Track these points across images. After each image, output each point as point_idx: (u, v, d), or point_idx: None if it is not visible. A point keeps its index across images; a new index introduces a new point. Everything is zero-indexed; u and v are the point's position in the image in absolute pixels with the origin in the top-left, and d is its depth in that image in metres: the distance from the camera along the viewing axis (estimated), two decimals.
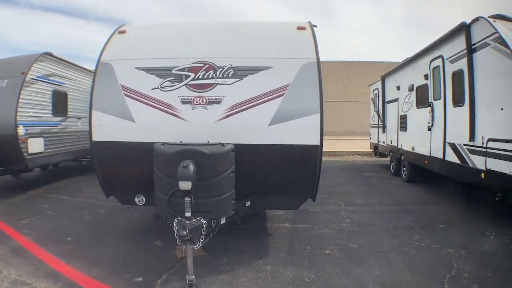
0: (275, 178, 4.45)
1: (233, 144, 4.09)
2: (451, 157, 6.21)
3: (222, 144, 3.73)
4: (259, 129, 4.18)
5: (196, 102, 4.24)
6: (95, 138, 4.44)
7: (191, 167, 3.40)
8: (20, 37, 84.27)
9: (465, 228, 5.35)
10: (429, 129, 7.10)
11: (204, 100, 4.24)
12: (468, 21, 5.70)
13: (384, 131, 11.09)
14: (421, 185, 8.61)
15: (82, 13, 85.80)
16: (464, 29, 5.69)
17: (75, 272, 3.90)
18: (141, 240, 4.88)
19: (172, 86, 4.32)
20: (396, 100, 9.69)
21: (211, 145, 3.70)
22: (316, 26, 5.20)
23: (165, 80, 4.35)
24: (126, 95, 4.38)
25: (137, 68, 4.46)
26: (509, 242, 4.74)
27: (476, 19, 5.50)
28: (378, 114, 11.49)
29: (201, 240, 3.54)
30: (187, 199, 3.52)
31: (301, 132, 4.16)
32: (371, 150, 13.11)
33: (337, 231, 5.24)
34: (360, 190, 8.31)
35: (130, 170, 4.50)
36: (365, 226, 5.50)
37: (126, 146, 4.32)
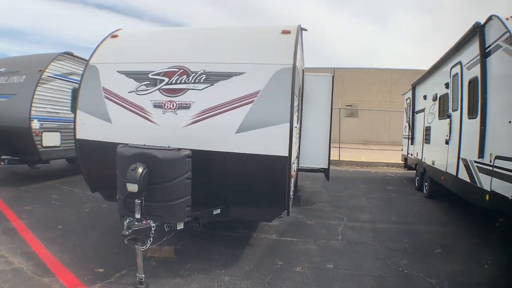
0: (243, 188, 4.39)
1: (200, 150, 4.15)
2: (463, 174, 5.58)
3: (178, 150, 3.77)
4: (225, 136, 4.15)
5: (167, 106, 4.34)
6: (78, 136, 4.76)
7: (139, 170, 3.49)
8: (72, 33, 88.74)
9: (462, 254, 4.85)
10: (447, 142, 6.49)
11: (174, 105, 4.32)
12: (482, 21, 5.10)
13: (412, 143, 10.38)
14: (438, 202, 7.99)
15: (138, 13, 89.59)
16: (477, 30, 5.09)
17: (49, 255, 4.28)
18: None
19: (146, 90, 4.47)
20: (423, 110, 9.02)
21: (166, 149, 3.76)
22: (305, 30, 5.05)
23: (141, 84, 4.51)
24: (106, 97, 4.62)
25: (119, 71, 4.68)
26: (501, 274, 4.22)
27: (489, 18, 4.89)
28: (409, 125, 10.80)
29: (149, 242, 3.64)
30: (137, 201, 3.66)
31: (268, 141, 4.05)
32: (403, 162, 12.45)
33: (322, 248, 5.02)
34: (372, 204, 7.87)
35: (109, 168, 4.73)
36: (355, 245, 5.21)
37: (104, 146, 4.54)
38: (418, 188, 9.43)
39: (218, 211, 4.50)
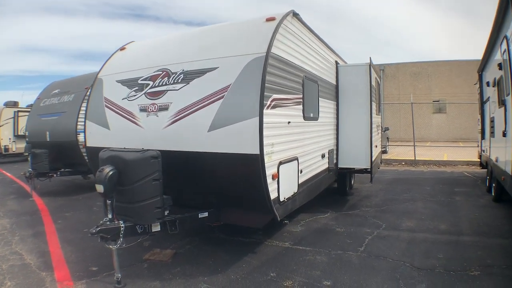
0: (224, 191, 4.30)
1: (178, 151, 4.27)
2: None
3: (144, 151, 3.92)
4: (199, 135, 4.15)
5: (150, 109, 4.57)
6: (88, 144, 5.36)
7: (106, 171, 3.72)
8: None
9: (504, 279, 3.79)
10: (504, 134, 5.21)
11: (156, 107, 4.52)
12: None
13: (483, 137, 8.72)
14: (507, 207, 6.61)
15: None
16: None
17: (60, 254, 4.85)
18: (132, 239, 5.48)
19: (135, 95, 4.79)
20: (488, 99, 7.47)
21: (133, 151, 3.93)
22: (298, 14, 4.77)
23: (131, 90, 4.86)
24: (106, 106, 5.11)
25: (117, 81, 5.13)
26: None
27: None
28: (481, 117, 9.12)
29: (119, 242, 3.85)
30: (107, 201, 3.92)
31: (237, 139, 3.90)
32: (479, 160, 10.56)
33: (332, 260, 4.52)
34: (427, 209, 6.87)
35: None
36: (373, 259, 4.54)
37: None
38: (488, 190, 7.96)
39: (205, 214, 4.48)
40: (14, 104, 15.61)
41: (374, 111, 7.19)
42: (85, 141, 5.39)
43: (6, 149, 15.20)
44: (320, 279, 4.02)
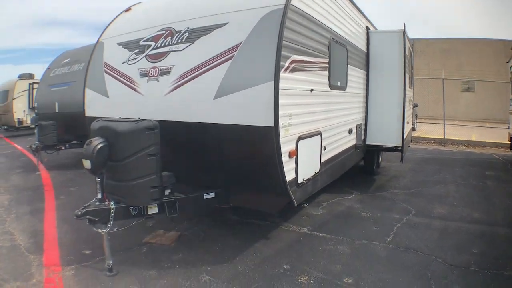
0: (232, 170, 3.73)
1: (180, 121, 3.72)
2: None
3: (138, 121, 3.37)
4: (203, 103, 3.57)
5: (151, 74, 4.00)
6: (87, 114, 4.88)
7: (94, 144, 3.21)
8: None
9: None
10: None
11: (157, 71, 3.95)
12: None
13: None
14: None
15: None
16: None
17: (54, 234, 4.45)
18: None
19: (136, 58, 4.23)
20: None
21: (126, 121, 3.38)
22: None
23: (132, 53, 4.30)
24: (105, 71, 4.59)
25: (118, 43, 4.58)
26: None
27: None
28: None
29: (109, 225, 3.38)
30: (96, 179, 3.44)
31: (248, 108, 3.30)
32: (509, 143, 9.70)
33: (356, 252, 3.92)
34: (459, 194, 6.19)
35: None
36: (402, 251, 3.92)
37: None
38: None
39: (212, 195, 3.95)
40: (30, 76, 15.36)
41: (407, 84, 6.41)
42: (83, 111, 4.92)
43: (20, 122, 15.03)
44: (340, 275, 3.45)
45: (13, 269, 3.56)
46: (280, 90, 3.16)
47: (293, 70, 3.50)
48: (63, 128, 8.07)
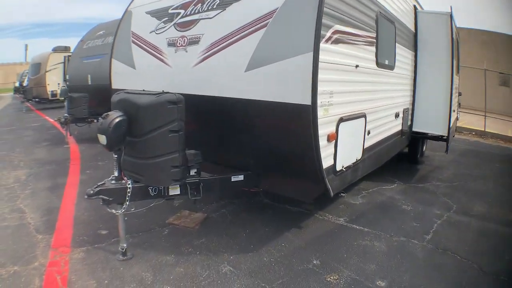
0: (262, 151, 3.39)
1: (209, 96, 3.40)
2: None
3: (160, 93, 3.06)
4: (233, 76, 3.22)
5: (179, 43, 3.69)
6: (113, 86, 4.67)
7: (110, 118, 2.96)
8: None
9: None
10: None
11: (185, 41, 3.62)
12: None
13: None
14: None
15: None
16: None
17: (70, 212, 4.26)
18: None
19: (163, 27, 3.93)
20: None
21: (147, 94, 3.10)
22: None
23: (160, 22, 4.00)
24: (132, 41, 4.33)
25: (146, 12, 4.29)
26: None
27: None
28: None
29: (124, 206, 3.14)
30: (114, 155, 3.21)
31: (282, 82, 2.91)
32: None
33: (393, 251, 3.50)
34: (499, 191, 5.66)
35: None
36: (441, 254, 3.48)
37: None
38: None
39: (240, 177, 3.64)
40: (65, 49, 15.39)
41: (454, 70, 5.83)
42: (110, 83, 4.72)
43: (54, 94, 15.10)
44: (373, 276, 3.08)
45: (14, 251, 3.32)
46: (320, 63, 2.75)
47: (336, 41, 3.06)
48: (95, 101, 7.91)
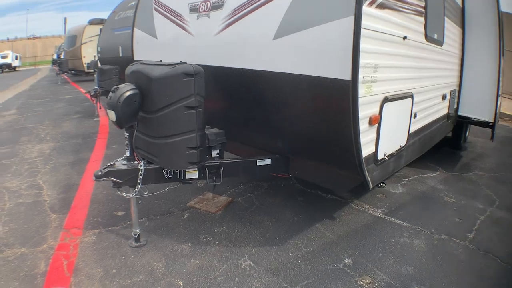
0: (292, 132, 2.95)
1: (233, 68, 3.00)
2: None
3: (175, 64, 2.68)
4: (260, 45, 2.78)
5: (201, 9, 3.27)
6: (135, 57, 4.38)
7: (120, 92, 2.65)
8: None
9: None
10: None
11: (208, 5, 3.20)
12: None
13: None
14: None
15: None
16: None
17: (89, 190, 4.12)
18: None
19: None
20: None
21: (161, 65, 2.73)
22: None
23: None
24: (154, 8, 3.96)
25: None
26: None
27: None
28: None
29: (136, 190, 2.86)
30: (125, 133, 2.92)
31: (316, 52, 2.43)
32: None
33: (433, 251, 3.03)
34: None
35: None
36: (483, 256, 3.00)
37: None
38: None
39: (267, 162, 3.25)
40: (101, 21, 15.25)
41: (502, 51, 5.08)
42: (132, 54, 4.42)
43: (89, 67, 15.06)
44: (410, 281, 2.65)
45: (25, 231, 3.19)
46: (362, 30, 2.23)
47: (381, 6, 2.51)
48: None
